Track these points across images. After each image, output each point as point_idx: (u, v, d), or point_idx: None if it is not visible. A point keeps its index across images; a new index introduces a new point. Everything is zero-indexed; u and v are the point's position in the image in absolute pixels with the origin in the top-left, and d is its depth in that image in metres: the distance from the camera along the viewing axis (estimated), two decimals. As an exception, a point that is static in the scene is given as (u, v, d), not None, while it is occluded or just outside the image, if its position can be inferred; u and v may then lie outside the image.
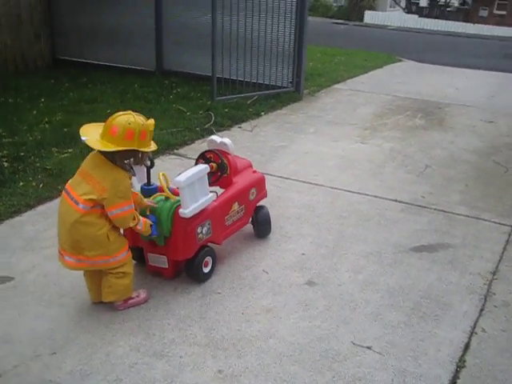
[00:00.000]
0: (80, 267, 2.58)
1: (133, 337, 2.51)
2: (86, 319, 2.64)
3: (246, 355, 2.39)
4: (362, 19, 27.35)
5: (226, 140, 3.24)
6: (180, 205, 2.74)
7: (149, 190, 2.83)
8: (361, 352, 2.44)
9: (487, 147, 5.40)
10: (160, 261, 2.87)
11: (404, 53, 11.96)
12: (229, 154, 3.21)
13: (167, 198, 2.78)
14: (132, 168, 2.58)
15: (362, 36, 15.66)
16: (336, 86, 8.29)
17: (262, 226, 3.39)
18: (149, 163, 2.75)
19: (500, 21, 28.34)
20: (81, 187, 2.44)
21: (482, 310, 2.78)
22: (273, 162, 4.81)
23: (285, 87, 7.29)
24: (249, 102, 6.79)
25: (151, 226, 2.67)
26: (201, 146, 5.29)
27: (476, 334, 2.60)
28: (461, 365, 2.39)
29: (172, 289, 2.86)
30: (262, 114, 6.52)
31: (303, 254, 3.26)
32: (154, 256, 2.88)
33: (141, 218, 2.60)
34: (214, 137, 3.30)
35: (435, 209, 3.91)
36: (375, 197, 4.10)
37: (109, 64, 8.25)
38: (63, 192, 2.54)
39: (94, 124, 2.54)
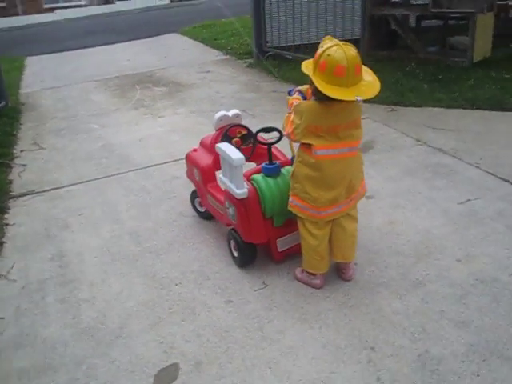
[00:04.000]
0: (350, 208, 2.51)
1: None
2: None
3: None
4: None
5: (237, 111, 3.12)
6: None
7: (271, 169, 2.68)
8: None
9: (250, 86, 6.37)
10: (293, 238, 2.76)
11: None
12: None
13: None
14: None
15: None
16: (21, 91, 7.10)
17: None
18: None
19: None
20: (351, 135, 2.33)
21: None
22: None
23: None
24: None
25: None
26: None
27: None
28: None
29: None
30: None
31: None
32: (284, 239, 2.76)
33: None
34: (223, 112, 3.07)
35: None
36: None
37: None
38: (324, 156, 2.31)
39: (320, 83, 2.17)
